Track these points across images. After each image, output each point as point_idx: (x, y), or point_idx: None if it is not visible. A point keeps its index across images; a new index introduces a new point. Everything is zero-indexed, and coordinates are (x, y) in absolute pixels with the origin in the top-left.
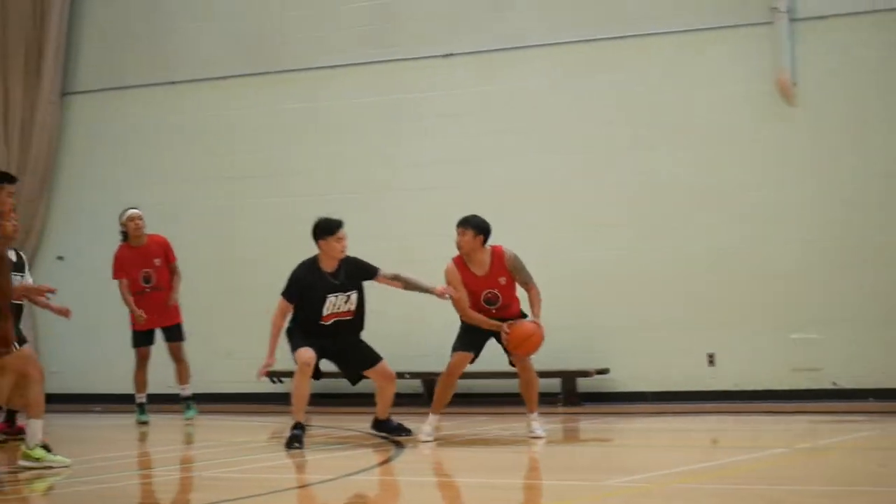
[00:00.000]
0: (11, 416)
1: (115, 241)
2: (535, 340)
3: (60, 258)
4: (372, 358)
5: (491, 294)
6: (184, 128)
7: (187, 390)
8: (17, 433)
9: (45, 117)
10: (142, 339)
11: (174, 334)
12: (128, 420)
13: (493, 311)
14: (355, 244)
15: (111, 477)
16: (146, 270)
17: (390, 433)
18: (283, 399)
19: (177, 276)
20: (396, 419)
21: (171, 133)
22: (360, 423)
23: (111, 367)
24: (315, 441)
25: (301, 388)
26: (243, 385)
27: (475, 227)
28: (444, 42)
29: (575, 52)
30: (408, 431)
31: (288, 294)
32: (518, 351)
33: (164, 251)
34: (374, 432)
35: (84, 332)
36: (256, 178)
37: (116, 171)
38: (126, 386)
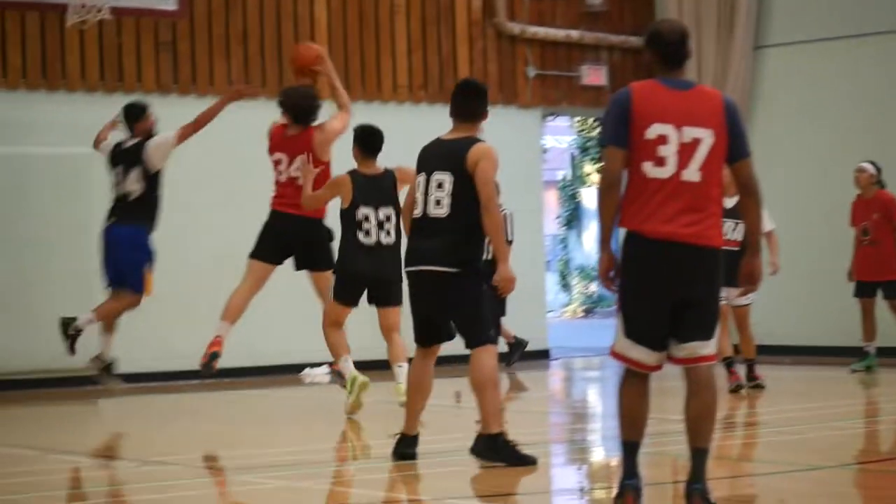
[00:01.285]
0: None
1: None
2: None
3: None
4: None
5: None
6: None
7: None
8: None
9: (738, 71)
10: (860, 291)
11: (888, 291)
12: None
13: None
14: None
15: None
16: (864, 224)
17: None
18: None
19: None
20: None
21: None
22: None
23: None
24: None
25: None
26: None
27: None
28: None
29: None
30: None
31: None
32: None
33: (887, 207)
34: None
35: None
36: None
37: (806, 126)
38: None
